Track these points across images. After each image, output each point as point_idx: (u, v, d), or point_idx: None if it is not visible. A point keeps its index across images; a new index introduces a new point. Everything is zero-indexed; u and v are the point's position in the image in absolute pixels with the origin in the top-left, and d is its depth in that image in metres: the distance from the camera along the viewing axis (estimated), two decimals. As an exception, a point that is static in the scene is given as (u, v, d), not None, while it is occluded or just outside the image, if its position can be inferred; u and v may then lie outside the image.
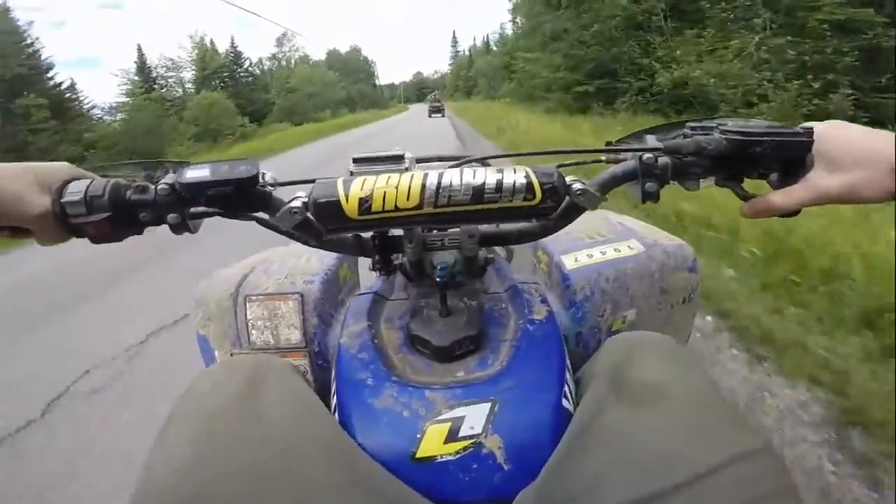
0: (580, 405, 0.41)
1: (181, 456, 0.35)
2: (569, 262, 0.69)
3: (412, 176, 0.41)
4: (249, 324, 0.68)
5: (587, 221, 0.78)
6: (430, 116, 25.51)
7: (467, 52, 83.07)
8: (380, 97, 75.93)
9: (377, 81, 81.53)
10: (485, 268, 0.61)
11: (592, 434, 0.37)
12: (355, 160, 0.54)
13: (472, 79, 57.80)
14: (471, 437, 0.39)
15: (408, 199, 0.40)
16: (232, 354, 0.69)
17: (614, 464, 0.34)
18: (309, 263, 0.74)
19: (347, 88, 51.56)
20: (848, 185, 0.42)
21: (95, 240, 0.44)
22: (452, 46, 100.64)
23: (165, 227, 0.47)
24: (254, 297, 0.68)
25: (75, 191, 0.43)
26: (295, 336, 0.67)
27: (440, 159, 0.53)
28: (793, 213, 0.46)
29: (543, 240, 0.75)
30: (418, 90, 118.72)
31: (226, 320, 0.69)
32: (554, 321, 0.50)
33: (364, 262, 0.86)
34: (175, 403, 0.41)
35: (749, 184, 0.49)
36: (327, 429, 0.40)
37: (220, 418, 0.37)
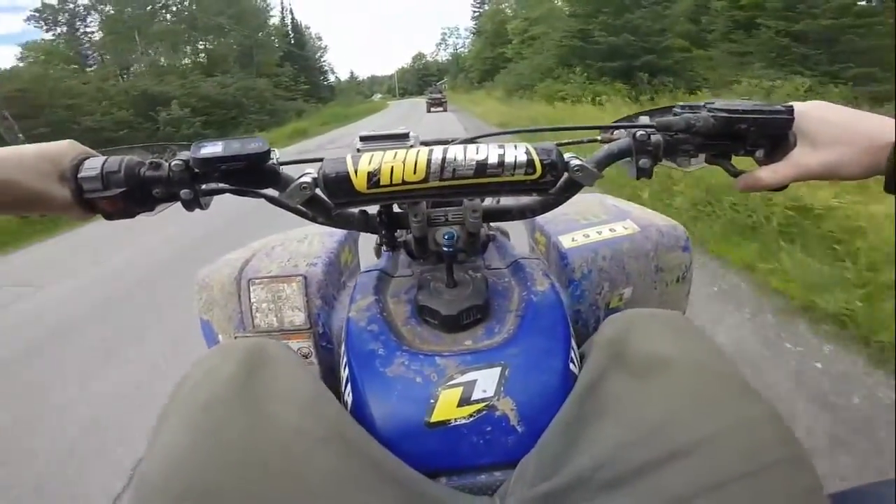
0: (581, 374, 0.42)
1: (176, 447, 0.34)
2: (566, 241, 0.70)
3: (418, 151, 0.42)
4: (253, 307, 0.68)
5: (584, 203, 0.80)
6: (428, 111, 22.07)
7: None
8: (327, 87, 45.52)
9: (326, 64, 49.36)
10: (486, 245, 0.63)
11: (592, 402, 0.38)
12: (362, 138, 0.55)
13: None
14: (483, 399, 0.40)
15: (414, 172, 0.41)
16: (236, 338, 0.70)
17: (613, 431, 0.35)
18: (311, 246, 0.75)
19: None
20: (829, 162, 0.44)
21: (110, 216, 0.46)
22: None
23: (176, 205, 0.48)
24: (257, 281, 0.69)
25: (91, 167, 0.44)
26: (299, 318, 0.68)
27: (444, 141, 0.55)
28: (781, 188, 0.49)
29: (541, 221, 0.77)
30: (420, 78, 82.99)
31: (230, 304, 0.70)
32: (556, 292, 0.52)
33: (364, 246, 0.88)
34: (172, 390, 0.41)
35: (740, 162, 0.51)
36: (332, 414, 0.39)
37: (217, 406, 0.36)
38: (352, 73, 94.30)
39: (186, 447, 0.33)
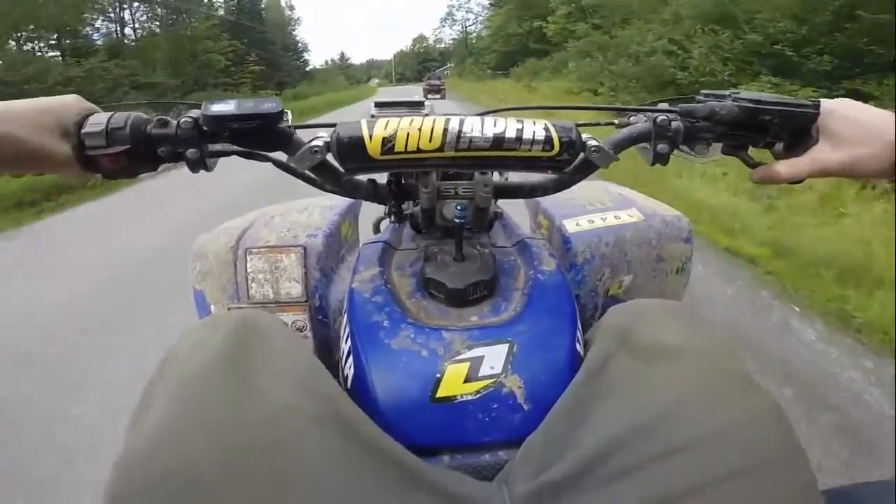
0: (588, 357, 0.41)
1: (161, 425, 0.32)
2: (570, 226, 0.70)
3: (434, 119, 0.41)
4: (249, 277, 0.67)
5: (589, 190, 0.80)
6: (425, 97, 22.02)
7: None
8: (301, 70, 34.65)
9: (300, 41, 37.27)
10: (492, 223, 0.62)
11: (598, 384, 0.38)
12: (377, 104, 0.54)
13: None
14: (491, 376, 0.39)
15: (430, 141, 0.40)
16: (229, 309, 0.69)
17: (619, 417, 0.35)
18: (311, 218, 0.74)
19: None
20: (849, 160, 0.44)
21: (111, 174, 0.44)
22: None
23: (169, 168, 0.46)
24: (255, 250, 0.67)
25: (96, 122, 0.42)
26: (296, 290, 0.67)
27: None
28: (797, 181, 0.49)
29: (545, 204, 0.76)
30: (420, 63, 72.18)
31: (224, 274, 0.69)
32: (562, 273, 0.51)
33: (364, 220, 0.87)
34: (158, 364, 0.39)
35: (754, 153, 0.51)
36: (327, 391, 0.37)
37: (203, 382, 0.34)
38: (342, 54, 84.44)
39: (171, 426, 0.32)
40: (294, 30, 37.60)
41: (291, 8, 39.42)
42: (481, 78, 28.08)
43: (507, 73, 23.47)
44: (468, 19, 51.99)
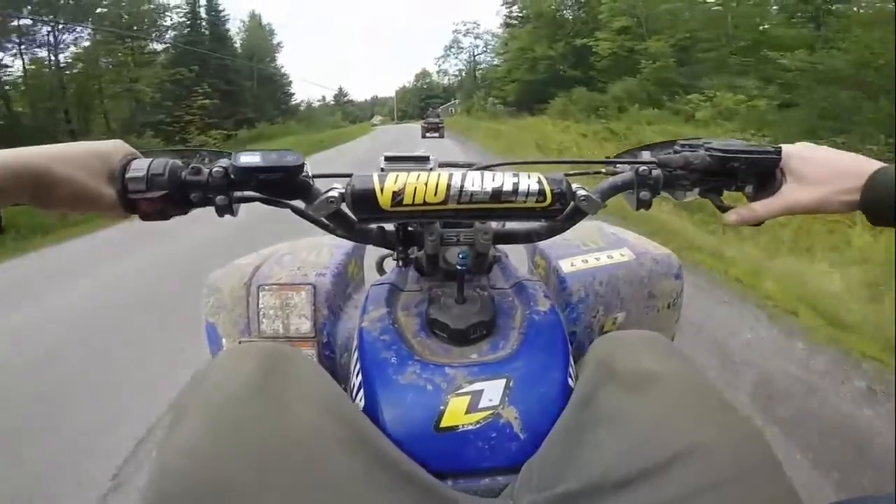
0: (576, 388, 0.45)
1: (197, 440, 0.34)
2: (566, 266, 0.74)
3: (439, 175, 0.46)
4: (261, 312, 0.71)
5: (583, 230, 0.85)
6: (423, 136, 19.50)
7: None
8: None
9: (285, 74, 32.44)
10: (492, 266, 0.66)
11: (588, 412, 0.41)
12: (386, 158, 0.59)
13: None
14: (490, 408, 0.43)
15: (435, 194, 0.45)
16: (240, 342, 0.72)
17: (613, 439, 0.38)
18: (320, 257, 0.78)
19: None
20: (814, 199, 0.49)
21: (147, 216, 0.47)
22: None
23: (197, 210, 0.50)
24: (267, 287, 0.71)
25: (138, 168, 0.46)
26: (305, 326, 0.70)
27: (460, 165, 0.59)
28: (765, 221, 0.53)
29: (542, 246, 0.80)
30: (422, 100, 67.71)
31: (237, 309, 0.72)
32: (556, 312, 0.55)
33: (368, 260, 0.91)
34: (183, 391, 0.41)
35: (728, 197, 0.56)
36: (350, 415, 0.40)
37: (237, 403, 0.37)
38: (340, 89, 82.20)
39: (207, 441, 0.34)
40: (273, 59, 31.18)
41: (272, 33, 32.68)
42: (496, 115, 21.73)
43: (531, 109, 17.30)
44: (476, 45, 45.46)
